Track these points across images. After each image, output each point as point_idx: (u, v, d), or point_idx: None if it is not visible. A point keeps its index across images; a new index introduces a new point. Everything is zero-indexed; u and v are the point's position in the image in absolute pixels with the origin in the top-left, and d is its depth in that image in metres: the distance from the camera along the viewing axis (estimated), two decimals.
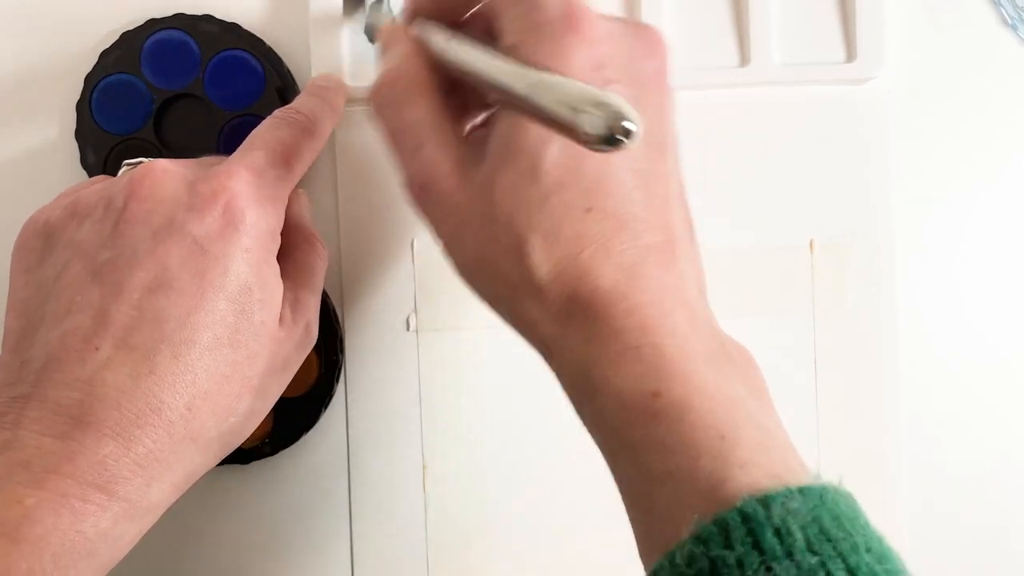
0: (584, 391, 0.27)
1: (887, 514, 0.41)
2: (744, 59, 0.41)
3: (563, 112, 0.23)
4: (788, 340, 0.41)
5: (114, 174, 0.39)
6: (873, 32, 0.40)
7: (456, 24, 0.32)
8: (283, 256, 0.33)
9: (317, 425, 0.41)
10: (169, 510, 0.41)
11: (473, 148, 0.29)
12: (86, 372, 0.28)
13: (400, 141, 0.30)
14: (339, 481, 0.41)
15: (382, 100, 0.30)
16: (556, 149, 0.27)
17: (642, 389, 0.26)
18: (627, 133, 0.22)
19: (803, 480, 0.24)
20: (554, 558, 0.41)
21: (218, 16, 0.40)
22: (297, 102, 0.37)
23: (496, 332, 0.41)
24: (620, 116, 0.22)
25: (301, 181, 0.35)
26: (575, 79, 0.24)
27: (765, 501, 0.23)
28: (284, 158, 0.33)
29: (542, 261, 0.27)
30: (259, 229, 0.31)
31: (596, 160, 0.27)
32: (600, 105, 0.23)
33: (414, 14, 0.33)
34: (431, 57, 0.31)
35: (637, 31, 0.29)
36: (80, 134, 0.40)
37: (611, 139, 0.22)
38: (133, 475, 0.28)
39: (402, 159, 0.30)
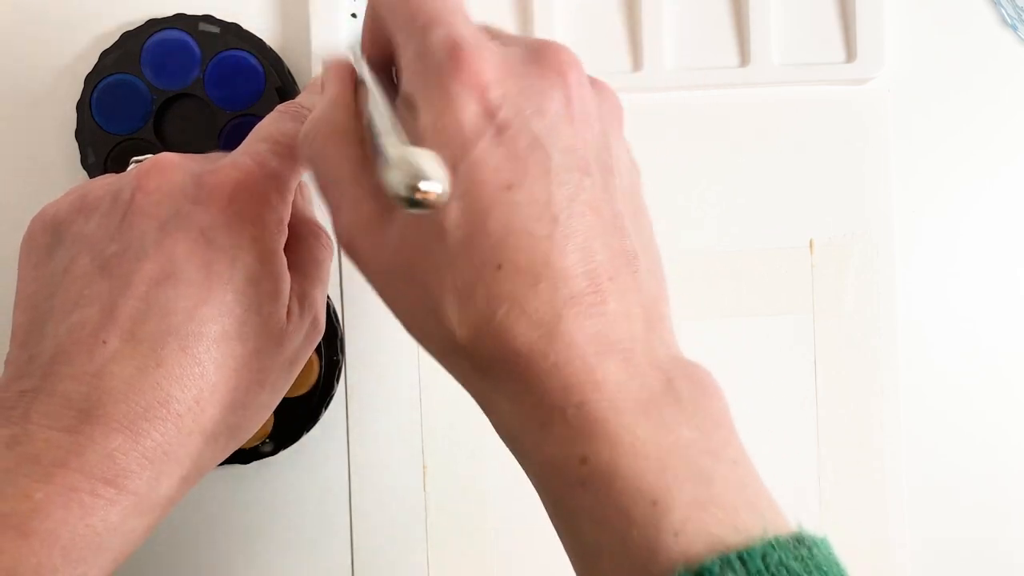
0: (519, 454, 0.26)
1: (886, 514, 0.41)
2: (744, 59, 0.41)
3: (381, 175, 0.22)
4: (788, 340, 0.41)
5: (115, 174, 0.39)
6: (873, 32, 0.40)
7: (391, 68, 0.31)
8: (289, 249, 0.32)
9: (318, 424, 0.41)
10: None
11: (390, 205, 0.28)
12: (94, 365, 0.28)
13: (324, 197, 0.29)
14: (339, 481, 0.41)
15: (304, 153, 0.29)
16: (457, 206, 0.25)
17: (569, 455, 0.24)
18: (423, 191, 0.21)
19: (751, 536, 0.23)
20: (554, 558, 0.41)
21: (218, 16, 0.40)
22: (300, 98, 0.37)
23: None
24: (418, 176, 0.21)
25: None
26: (399, 137, 0.23)
27: (699, 574, 0.22)
28: (289, 149, 0.33)
29: (459, 323, 0.25)
30: (266, 220, 0.31)
31: (501, 213, 0.25)
32: (401, 164, 0.21)
33: (364, 54, 0.31)
34: (359, 104, 0.30)
35: (539, 56, 0.27)
36: (80, 134, 0.40)
37: (412, 200, 0.21)
38: (142, 469, 0.28)
39: (330, 215, 0.29)
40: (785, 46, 0.41)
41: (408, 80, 0.27)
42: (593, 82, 0.28)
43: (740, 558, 0.22)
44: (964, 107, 0.42)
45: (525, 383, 0.25)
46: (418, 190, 0.21)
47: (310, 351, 0.34)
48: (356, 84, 0.30)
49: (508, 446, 0.27)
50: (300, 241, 0.33)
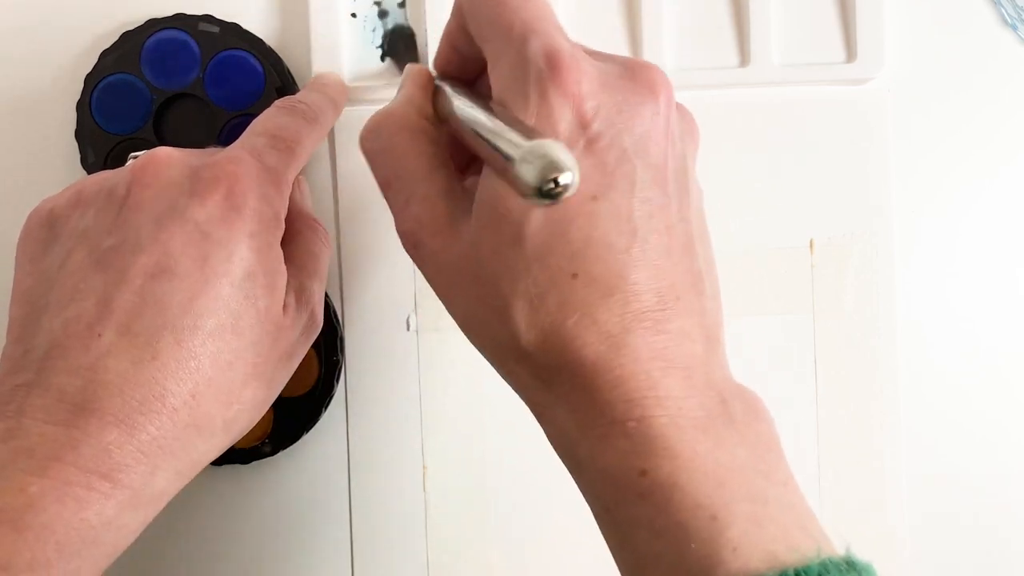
0: (573, 462, 0.27)
1: (886, 513, 0.41)
2: (744, 59, 0.41)
3: (506, 158, 0.22)
4: (788, 340, 0.41)
5: None
6: (873, 32, 0.40)
7: (481, 79, 0.31)
8: (286, 243, 0.32)
9: (317, 425, 0.41)
10: (169, 509, 0.41)
11: (463, 204, 0.28)
12: (89, 359, 0.28)
13: (389, 193, 0.29)
14: (339, 481, 0.41)
15: (370, 146, 0.30)
16: (540, 213, 0.25)
17: (628, 467, 0.25)
18: (559, 184, 0.21)
19: (806, 554, 0.23)
20: (554, 558, 0.41)
21: (218, 16, 0.40)
22: (300, 94, 0.37)
23: None
24: (553, 167, 0.21)
25: (302, 170, 0.35)
26: (526, 130, 0.23)
27: None
28: (287, 143, 0.33)
29: (527, 328, 0.26)
30: (263, 214, 0.31)
31: (583, 223, 0.25)
32: (534, 155, 0.21)
33: (440, 73, 0.32)
34: (437, 108, 0.30)
35: (633, 73, 0.27)
36: (80, 134, 0.40)
37: (543, 191, 0.21)
38: (137, 463, 0.28)
39: (393, 212, 0.29)
40: (785, 46, 0.41)
41: (503, 88, 0.27)
42: (677, 105, 0.29)
43: (798, 574, 0.23)
44: (964, 107, 0.42)
45: (587, 393, 0.25)
46: (555, 181, 0.21)
47: (307, 346, 0.34)
48: (434, 90, 0.30)
49: (561, 455, 0.27)
50: (297, 235, 0.33)
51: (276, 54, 0.40)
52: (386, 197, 0.29)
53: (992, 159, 0.42)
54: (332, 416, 0.41)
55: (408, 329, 0.41)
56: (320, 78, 0.38)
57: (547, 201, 0.21)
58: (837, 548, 0.25)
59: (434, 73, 0.32)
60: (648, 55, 0.40)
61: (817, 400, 0.41)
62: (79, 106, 0.40)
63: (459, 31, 0.30)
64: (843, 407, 0.41)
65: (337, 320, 0.41)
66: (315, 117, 0.35)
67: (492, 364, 0.28)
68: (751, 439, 0.26)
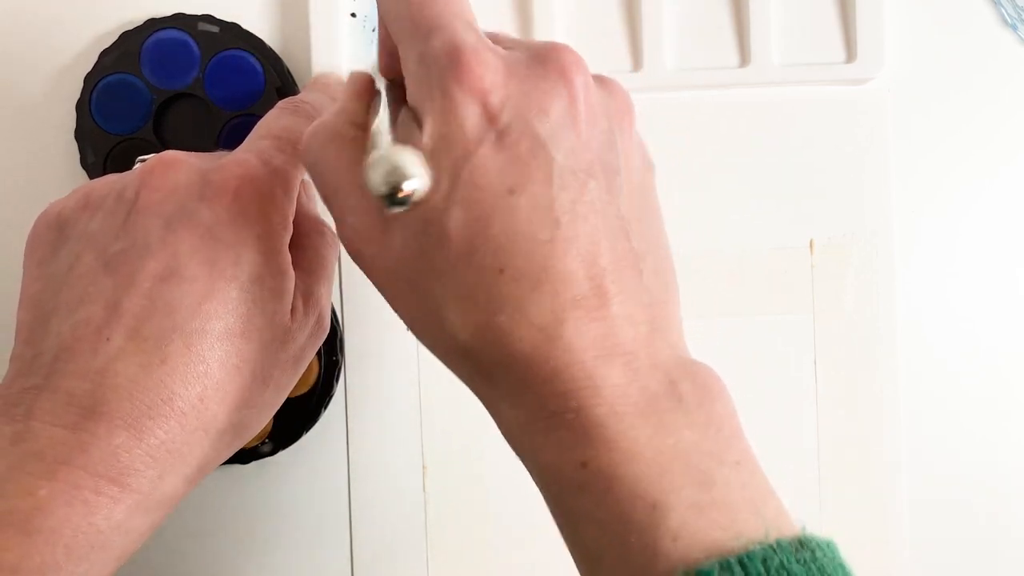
0: (521, 456, 0.27)
1: (886, 514, 0.41)
2: (744, 59, 0.41)
3: (364, 172, 0.22)
4: (788, 340, 0.41)
5: (112, 173, 0.39)
6: (873, 32, 0.40)
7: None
8: (293, 246, 0.32)
9: (317, 425, 0.41)
10: None
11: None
12: (98, 363, 0.28)
13: (328, 205, 0.29)
14: (339, 481, 0.41)
15: (306, 158, 0.29)
16: (459, 211, 0.25)
17: (569, 459, 0.24)
18: (403, 190, 0.21)
19: (752, 538, 0.23)
20: (554, 558, 0.41)
21: (218, 16, 0.40)
22: (302, 94, 0.36)
23: None
24: (396, 173, 0.21)
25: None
26: (389, 134, 0.23)
27: None
28: (293, 145, 0.33)
29: (462, 326, 0.26)
30: (271, 217, 0.31)
31: (503, 218, 0.25)
32: (382, 162, 0.21)
33: (385, 77, 0.31)
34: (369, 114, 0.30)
35: (542, 59, 0.26)
36: (80, 134, 0.40)
37: (390, 197, 0.21)
38: (146, 467, 0.27)
39: (335, 224, 0.29)
40: (785, 46, 0.41)
41: (411, 88, 0.27)
42: (600, 80, 0.28)
43: (740, 562, 0.22)
44: (964, 107, 0.42)
45: (526, 387, 0.25)
46: (398, 188, 0.21)
47: (315, 349, 0.34)
48: (372, 96, 0.30)
49: (512, 448, 0.27)
50: (304, 238, 0.33)
51: (276, 54, 0.40)
52: (328, 209, 0.29)
53: (992, 159, 0.42)
54: (332, 416, 0.41)
55: (408, 329, 0.41)
56: (320, 78, 0.38)
57: (397, 208, 0.21)
58: (793, 526, 0.25)
59: (378, 78, 0.31)
60: (648, 55, 0.40)
61: (817, 400, 0.41)
62: (79, 106, 0.40)
63: (387, 33, 0.30)
64: (843, 407, 0.41)
65: (337, 320, 0.41)
66: (317, 116, 0.35)
67: (445, 363, 0.28)
68: (701, 420, 0.25)
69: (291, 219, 0.32)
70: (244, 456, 0.40)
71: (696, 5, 0.41)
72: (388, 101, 0.28)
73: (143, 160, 0.33)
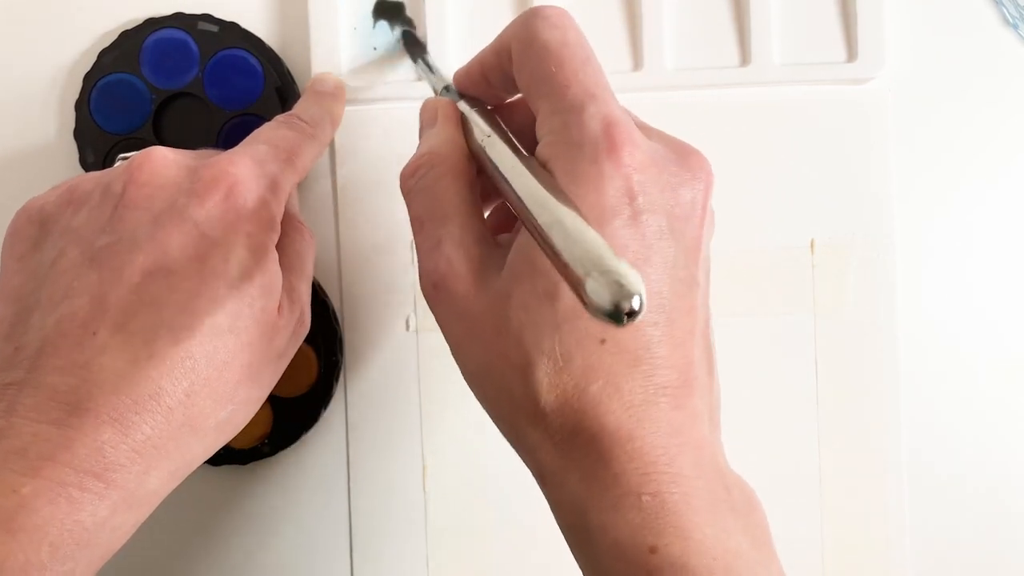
0: (579, 533, 0.26)
1: (886, 514, 0.41)
2: (744, 59, 0.41)
3: (574, 268, 0.22)
4: (788, 340, 0.41)
5: None
6: (874, 32, 0.40)
7: (500, 107, 0.32)
8: (277, 245, 0.32)
9: (317, 425, 0.41)
10: (169, 509, 0.41)
11: (495, 252, 0.28)
12: (83, 357, 0.27)
13: (422, 231, 0.29)
14: (339, 481, 0.41)
15: (413, 184, 0.29)
16: None
17: (639, 542, 0.24)
18: (630, 313, 0.20)
19: None
20: (554, 558, 0.41)
21: (217, 15, 0.40)
22: (298, 108, 0.37)
23: None
24: (627, 294, 0.20)
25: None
26: (594, 230, 0.22)
27: None
28: (287, 154, 0.33)
29: (548, 387, 0.25)
30: (260, 217, 0.30)
31: None
32: (608, 274, 0.21)
33: (461, 93, 0.32)
34: (468, 141, 0.30)
35: (680, 155, 0.28)
36: (79, 134, 0.40)
37: (613, 315, 0.20)
38: (131, 463, 0.27)
39: (420, 250, 0.29)
40: (785, 46, 0.41)
41: (553, 150, 0.27)
42: None
43: None
44: (965, 107, 0.41)
45: (603, 462, 0.25)
46: (626, 308, 0.20)
47: (297, 345, 0.34)
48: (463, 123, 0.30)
49: (565, 524, 0.27)
50: (285, 236, 0.33)
51: (275, 53, 0.40)
52: (417, 235, 0.29)
53: (993, 158, 0.42)
54: (332, 416, 0.41)
55: (408, 329, 0.41)
56: (318, 85, 0.38)
57: (609, 322, 0.21)
58: None
59: (455, 94, 0.32)
60: (648, 55, 0.40)
61: (817, 400, 0.41)
62: (78, 106, 0.40)
63: (498, 67, 0.30)
64: (843, 407, 0.41)
65: (337, 320, 0.41)
66: (314, 134, 0.35)
67: (499, 422, 0.28)
68: (751, 529, 0.26)
69: (279, 221, 0.32)
70: (244, 456, 0.40)
71: (696, 5, 0.41)
72: (486, 124, 0.29)
73: (124, 157, 0.33)
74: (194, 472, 0.41)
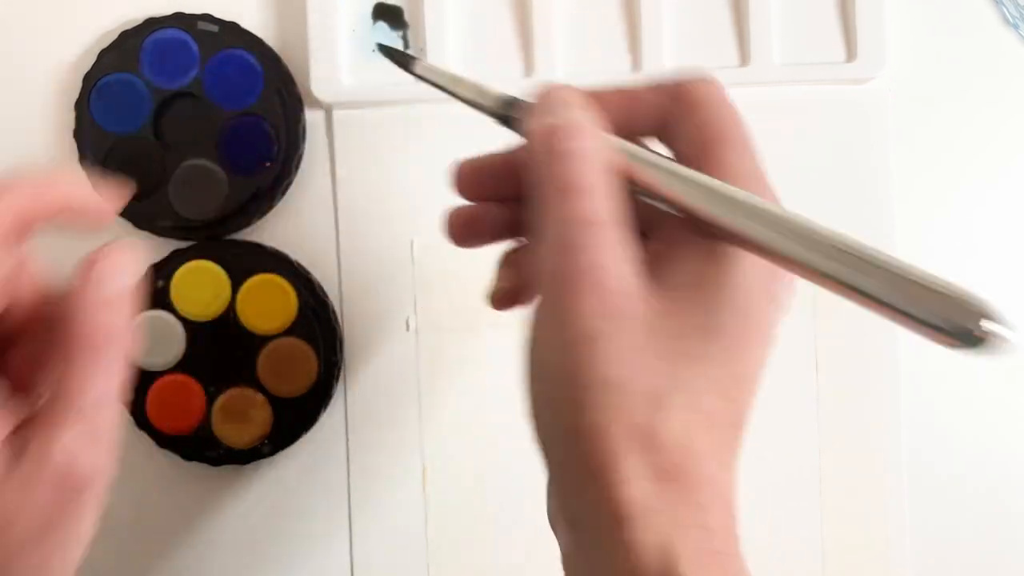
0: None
1: (886, 514, 0.41)
2: (744, 59, 0.41)
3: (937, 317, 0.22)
4: (788, 340, 0.41)
5: (113, 173, 0.39)
6: (874, 32, 0.40)
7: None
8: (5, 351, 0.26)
9: (317, 425, 0.41)
10: (169, 509, 0.41)
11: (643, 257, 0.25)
12: None
13: (566, 203, 0.24)
14: (339, 481, 0.41)
15: (551, 147, 0.24)
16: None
17: None
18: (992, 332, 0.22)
19: None
20: (554, 558, 0.41)
21: (217, 15, 0.40)
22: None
23: (496, 332, 0.41)
24: (986, 313, 0.21)
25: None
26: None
27: None
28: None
29: (680, 417, 0.23)
30: None
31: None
32: (965, 297, 0.22)
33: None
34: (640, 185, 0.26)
35: None
36: (79, 133, 0.40)
37: (974, 339, 0.21)
38: None
39: (565, 223, 0.24)
40: (785, 46, 0.41)
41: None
42: None
43: None
44: (965, 107, 0.42)
45: (703, 511, 0.24)
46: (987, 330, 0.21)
47: (83, 512, 0.24)
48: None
49: (635, 564, 0.23)
50: (27, 339, 0.26)
51: (275, 52, 0.40)
52: (558, 206, 0.24)
53: (993, 158, 0.42)
54: (332, 416, 0.41)
55: (408, 329, 0.41)
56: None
57: (967, 348, 0.21)
58: None
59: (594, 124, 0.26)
60: (648, 55, 0.40)
61: (817, 400, 0.41)
62: (78, 105, 0.40)
63: (656, 106, 0.27)
64: (843, 407, 0.41)
65: (337, 320, 0.41)
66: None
67: (572, 436, 0.24)
68: None
69: None
70: (244, 456, 0.40)
71: (696, 5, 0.41)
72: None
73: None
74: (194, 472, 0.41)
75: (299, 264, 0.41)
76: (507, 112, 0.28)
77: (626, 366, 0.23)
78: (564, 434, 0.25)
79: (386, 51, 0.31)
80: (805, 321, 0.41)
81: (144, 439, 0.40)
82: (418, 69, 0.30)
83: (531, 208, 0.25)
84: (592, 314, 0.24)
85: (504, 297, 0.29)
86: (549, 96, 0.26)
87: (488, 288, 0.29)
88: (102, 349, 0.24)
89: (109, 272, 0.25)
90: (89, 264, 0.25)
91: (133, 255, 0.26)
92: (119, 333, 0.25)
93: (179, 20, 0.40)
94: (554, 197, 0.24)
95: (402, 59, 0.30)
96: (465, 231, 0.29)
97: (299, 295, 0.40)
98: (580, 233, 0.24)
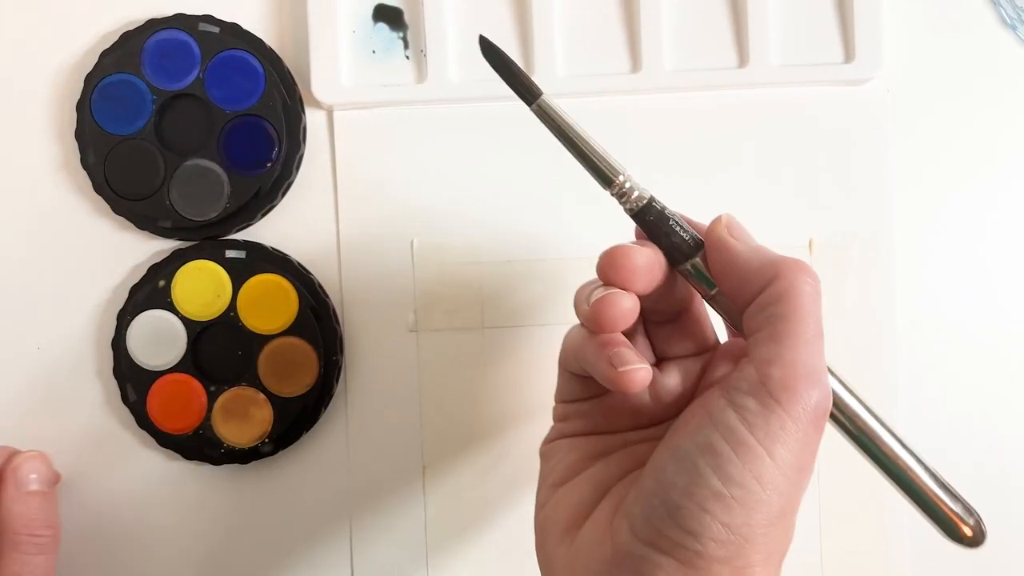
0: None
1: (887, 515, 0.41)
2: (743, 60, 0.41)
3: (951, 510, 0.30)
4: None
5: (112, 173, 0.39)
6: (871, 33, 0.40)
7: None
8: None
9: (317, 425, 0.41)
10: (170, 508, 0.41)
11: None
12: None
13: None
14: (339, 481, 0.41)
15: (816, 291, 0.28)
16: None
17: None
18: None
19: None
20: None
21: (218, 16, 0.40)
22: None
23: (495, 332, 0.41)
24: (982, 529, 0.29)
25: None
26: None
27: None
28: None
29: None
30: None
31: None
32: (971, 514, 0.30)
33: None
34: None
35: None
36: (80, 134, 0.40)
37: (971, 540, 0.29)
38: None
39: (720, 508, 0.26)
40: (783, 47, 0.41)
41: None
42: None
43: None
44: (963, 107, 0.42)
45: None
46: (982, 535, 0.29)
47: None
48: None
49: None
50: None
51: (276, 53, 0.40)
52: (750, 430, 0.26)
53: (992, 158, 0.42)
54: (332, 416, 0.41)
55: (408, 329, 0.41)
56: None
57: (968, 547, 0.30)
58: None
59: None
60: (647, 57, 0.40)
61: None
62: (79, 106, 0.40)
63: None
64: None
65: (337, 320, 0.41)
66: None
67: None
68: None
69: None
70: (244, 456, 0.40)
71: (695, 6, 0.41)
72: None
73: None
74: (194, 472, 0.41)
75: (300, 264, 0.41)
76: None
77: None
78: None
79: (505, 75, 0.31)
80: None
81: (145, 438, 0.41)
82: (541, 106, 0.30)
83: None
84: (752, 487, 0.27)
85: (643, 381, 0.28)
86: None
87: (626, 361, 0.28)
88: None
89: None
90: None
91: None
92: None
93: (180, 21, 0.40)
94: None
95: (521, 88, 0.31)
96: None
97: (300, 295, 0.40)
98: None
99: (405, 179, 0.41)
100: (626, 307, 0.28)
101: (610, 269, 0.28)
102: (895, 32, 0.41)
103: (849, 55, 0.40)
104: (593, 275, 0.30)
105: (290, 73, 0.41)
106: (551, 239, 0.41)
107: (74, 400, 0.41)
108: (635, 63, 0.41)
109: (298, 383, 0.40)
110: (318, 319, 0.40)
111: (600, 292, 0.28)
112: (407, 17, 0.41)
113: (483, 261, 0.41)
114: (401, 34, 0.41)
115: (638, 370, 0.27)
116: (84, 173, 0.40)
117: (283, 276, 0.40)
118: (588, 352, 0.28)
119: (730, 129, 0.41)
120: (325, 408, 0.41)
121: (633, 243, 0.29)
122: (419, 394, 0.41)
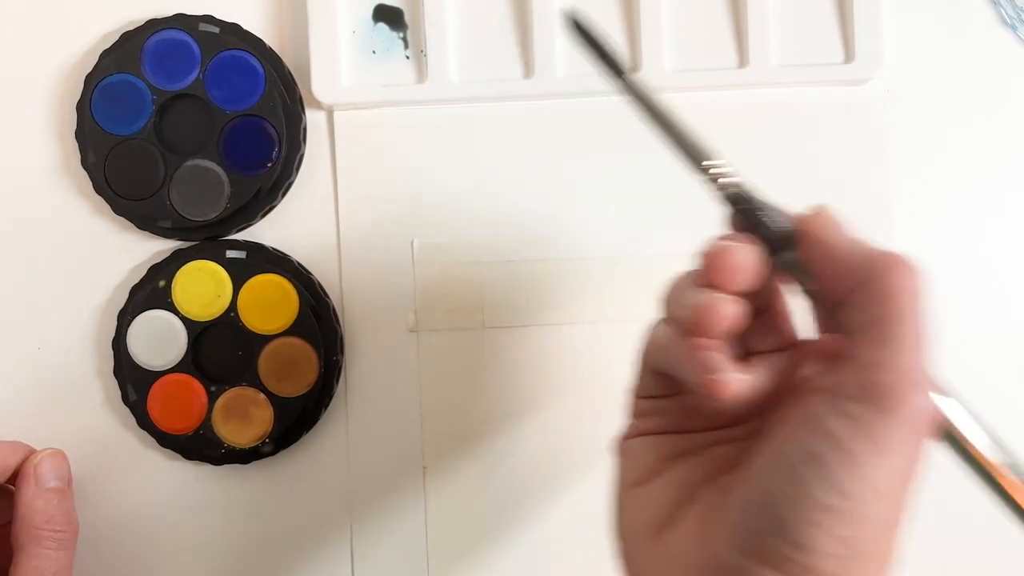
0: None
1: None
2: (742, 60, 0.41)
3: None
4: None
5: (112, 173, 0.39)
6: (871, 32, 0.40)
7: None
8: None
9: (317, 425, 0.41)
10: (170, 508, 0.41)
11: None
12: None
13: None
14: (339, 481, 0.41)
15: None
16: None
17: None
18: None
19: None
20: (554, 558, 0.41)
21: (218, 16, 0.40)
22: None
23: (496, 332, 0.41)
24: None
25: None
26: None
27: None
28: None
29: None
30: None
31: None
32: None
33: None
34: None
35: None
36: (80, 134, 0.40)
37: None
38: None
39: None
40: (783, 47, 0.41)
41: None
42: None
43: None
44: (963, 107, 0.42)
45: None
46: None
47: None
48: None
49: None
50: (19, 552, 0.37)
51: (276, 54, 0.40)
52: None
53: (991, 158, 0.42)
54: (332, 416, 0.41)
55: (408, 329, 0.41)
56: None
57: None
58: None
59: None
60: (647, 56, 0.40)
61: None
62: (79, 106, 0.40)
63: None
64: None
65: (337, 320, 0.41)
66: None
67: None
68: None
69: None
70: (244, 456, 0.40)
71: (694, 6, 0.41)
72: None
73: None
74: (195, 472, 0.41)
75: (300, 264, 0.41)
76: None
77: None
78: None
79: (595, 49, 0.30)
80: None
81: (146, 438, 0.41)
82: (627, 82, 0.29)
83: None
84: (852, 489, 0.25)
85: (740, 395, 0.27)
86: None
87: (721, 368, 0.27)
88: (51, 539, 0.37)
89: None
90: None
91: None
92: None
93: (180, 21, 0.40)
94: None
95: (610, 63, 0.29)
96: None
97: (300, 295, 0.40)
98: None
99: (405, 179, 0.41)
100: (732, 314, 0.26)
101: (714, 271, 0.27)
102: (895, 32, 0.41)
103: (849, 55, 0.40)
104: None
105: (290, 73, 0.41)
106: (552, 239, 0.41)
107: (74, 400, 0.41)
108: (635, 63, 0.41)
109: (298, 383, 0.40)
110: (318, 319, 0.40)
111: (703, 296, 0.27)
112: (407, 17, 0.41)
113: (483, 261, 0.41)
114: (401, 34, 0.41)
115: (732, 379, 0.26)
116: (84, 173, 0.40)
117: (283, 276, 0.40)
118: (678, 352, 0.27)
119: (730, 129, 0.41)
120: (325, 408, 0.41)
121: (730, 237, 0.28)
122: (419, 394, 0.41)
